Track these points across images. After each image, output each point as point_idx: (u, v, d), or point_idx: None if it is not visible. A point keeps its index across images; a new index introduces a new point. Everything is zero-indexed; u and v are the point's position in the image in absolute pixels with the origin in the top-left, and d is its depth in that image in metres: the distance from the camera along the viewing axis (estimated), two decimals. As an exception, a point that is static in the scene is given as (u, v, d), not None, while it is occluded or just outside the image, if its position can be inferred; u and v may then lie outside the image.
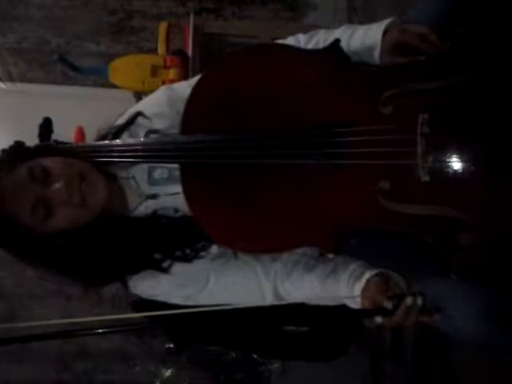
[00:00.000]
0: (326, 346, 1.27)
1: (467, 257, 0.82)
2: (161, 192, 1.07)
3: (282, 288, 1.00)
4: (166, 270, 1.02)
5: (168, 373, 2.41)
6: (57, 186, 0.97)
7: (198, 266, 1.02)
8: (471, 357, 1.41)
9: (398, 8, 2.04)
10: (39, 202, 0.96)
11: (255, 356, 2.07)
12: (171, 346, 2.14)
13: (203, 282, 1.03)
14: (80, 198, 0.98)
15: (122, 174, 1.09)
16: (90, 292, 1.93)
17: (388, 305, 0.79)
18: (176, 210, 1.04)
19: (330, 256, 0.92)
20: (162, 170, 1.08)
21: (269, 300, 1.01)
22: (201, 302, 1.02)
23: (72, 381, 2.45)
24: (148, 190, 1.08)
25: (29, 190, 0.96)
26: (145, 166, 1.09)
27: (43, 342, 2.41)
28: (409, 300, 0.78)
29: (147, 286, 1.04)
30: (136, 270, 1.02)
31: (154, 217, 1.05)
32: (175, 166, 1.07)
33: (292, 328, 1.19)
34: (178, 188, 1.04)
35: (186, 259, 1.02)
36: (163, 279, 1.03)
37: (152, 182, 1.08)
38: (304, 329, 1.20)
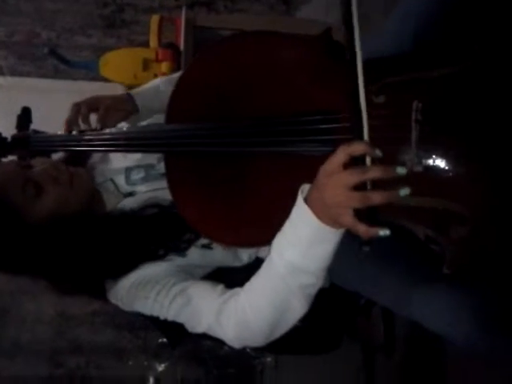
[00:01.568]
0: (319, 340, 1.27)
1: (460, 250, 0.82)
2: (138, 190, 1.08)
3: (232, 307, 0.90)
4: (161, 257, 1.00)
5: (161, 367, 2.41)
6: (45, 166, 1.00)
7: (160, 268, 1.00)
8: (463, 354, 1.41)
9: (390, 2, 2.04)
10: (29, 180, 0.98)
11: (248, 350, 2.07)
12: (164, 340, 2.14)
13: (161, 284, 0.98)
14: (68, 177, 1.01)
15: (98, 178, 1.10)
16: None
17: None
18: (154, 206, 1.04)
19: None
20: (138, 170, 1.09)
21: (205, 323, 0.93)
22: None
23: (65, 376, 2.45)
24: (125, 189, 1.09)
25: (18, 173, 0.98)
26: (121, 168, 1.09)
27: (36, 337, 2.38)
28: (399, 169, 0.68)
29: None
30: (121, 270, 1.00)
31: (132, 213, 1.04)
32: (153, 164, 1.08)
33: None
34: (156, 185, 1.06)
35: (179, 249, 1.00)
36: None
37: (130, 182, 1.09)
38: (297, 324, 1.20)
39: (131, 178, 1.09)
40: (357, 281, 1.02)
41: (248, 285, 0.89)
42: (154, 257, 1.00)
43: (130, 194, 1.08)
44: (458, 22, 0.88)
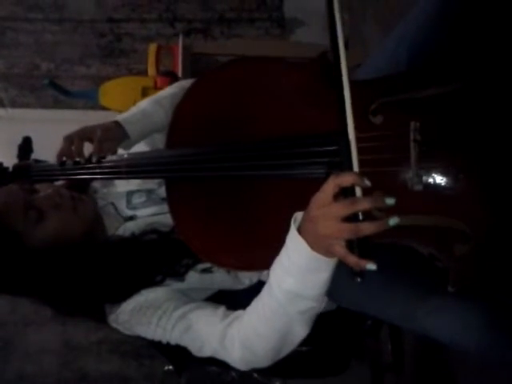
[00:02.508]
0: (326, 363, 1.26)
1: (464, 268, 0.82)
2: (139, 214, 1.08)
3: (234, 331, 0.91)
4: (159, 283, 1.00)
5: (168, 395, 2.37)
6: (48, 192, 1.01)
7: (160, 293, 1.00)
8: (473, 369, 1.40)
9: (384, 23, 2.07)
10: (31, 205, 0.98)
11: (255, 375, 2.05)
12: (170, 367, 2.11)
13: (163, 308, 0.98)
14: (71, 204, 1.01)
15: (100, 201, 1.11)
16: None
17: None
18: (154, 231, 1.04)
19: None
20: (139, 194, 1.10)
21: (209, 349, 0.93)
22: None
23: (71, 407, 2.41)
24: (126, 213, 1.09)
25: (21, 197, 0.98)
26: (123, 192, 1.10)
27: (42, 368, 2.35)
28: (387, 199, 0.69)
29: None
30: (118, 296, 1.00)
31: (133, 238, 1.04)
32: (153, 188, 1.08)
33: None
34: (157, 209, 1.07)
35: (176, 275, 1.01)
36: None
37: (131, 206, 1.10)
38: (304, 348, 1.19)
39: (132, 202, 1.10)
40: (363, 299, 1.02)
41: (250, 309, 0.90)
42: (152, 283, 1.00)
43: (131, 218, 1.09)
44: (450, 42, 0.89)
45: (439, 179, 0.80)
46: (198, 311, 0.96)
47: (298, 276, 0.78)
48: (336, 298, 1.06)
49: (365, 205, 0.68)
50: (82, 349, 2.39)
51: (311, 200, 0.73)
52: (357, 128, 0.71)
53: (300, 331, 0.86)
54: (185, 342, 0.95)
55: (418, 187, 0.80)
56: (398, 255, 0.93)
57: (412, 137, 0.80)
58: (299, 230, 0.76)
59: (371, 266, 0.68)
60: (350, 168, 0.71)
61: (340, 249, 0.71)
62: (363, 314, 1.10)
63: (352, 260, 0.70)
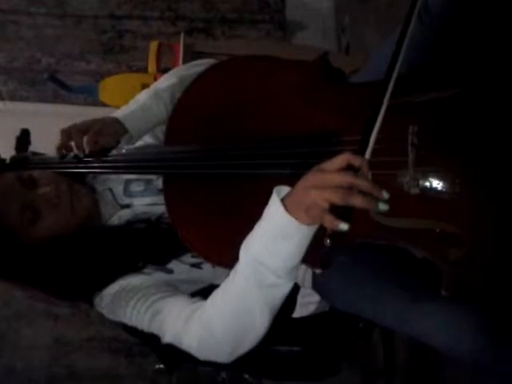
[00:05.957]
0: (318, 365, 1.25)
1: (457, 272, 0.82)
2: (136, 202, 1.08)
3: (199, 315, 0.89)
4: (139, 269, 1.00)
5: (158, 394, 2.37)
6: (47, 189, 0.99)
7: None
8: (465, 377, 1.40)
9: (385, 28, 2.07)
10: (28, 205, 0.97)
11: (246, 376, 2.05)
12: (161, 366, 2.11)
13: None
14: (69, 206, 1.00)
15: (98, 187, 1.10)
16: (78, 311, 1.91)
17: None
18: (149, 220, 1.05)
19: (318, 271, 0.90)
20: (138, 183, 1.10)
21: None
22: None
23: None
24: (122, 200, 1.09)
25: (18, 194, 0.97)
26: (122, 179, 1.10)
27: (32, 363, 2.34)
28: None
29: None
30: (110, 279, 1.00)
31: (128, 226, 1.05)
32: (152, 178, 1.09)
33: (284, 348, 1.18)
34: (153, 200, 1.07)
35: (158, 263, 1.01)
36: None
37: (128, 194, 1.10)
38: (296, 349, 1.19)
39: (130, 190, 1.10)
40: (357, 301, 1.02)
41: (218, 288, 0.88)
42: (133, 269, 1.00)
43: (127, 206, 1.09)
44: (449, 46, 0.89)
45: (436, 183, 0.81)
46: (174, 298, 0.95)
47: (265, 241, 0.76)
48: (330, 299, 1.06)
49: (364, 184, 0.69)
50: (73, 345, 2.39)
51: (315, 166, 0.72)
52: (355, 131, 0.71)
53: (259, 319, 0.83)
54: (154, 327, 0.93)
55: (415, 191, 0.80)
56: (392, 258, 0.93)
57: (410, 140, 0.80)
58: (283, 199, 0.74)
59: (343, 226, 0.68)
60: (363, 153, 0.72)
61: (321, 204, 0.70)
62: (356, 315, 1.10)
63: (328, 218, 0.69)
